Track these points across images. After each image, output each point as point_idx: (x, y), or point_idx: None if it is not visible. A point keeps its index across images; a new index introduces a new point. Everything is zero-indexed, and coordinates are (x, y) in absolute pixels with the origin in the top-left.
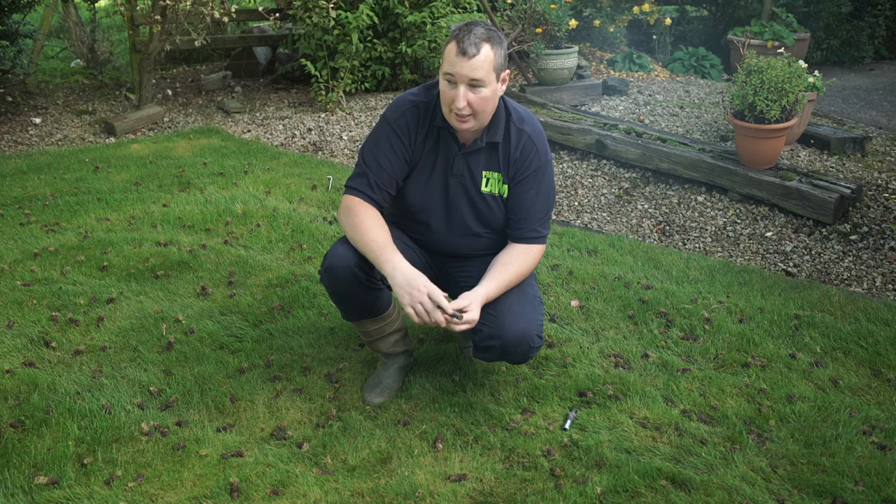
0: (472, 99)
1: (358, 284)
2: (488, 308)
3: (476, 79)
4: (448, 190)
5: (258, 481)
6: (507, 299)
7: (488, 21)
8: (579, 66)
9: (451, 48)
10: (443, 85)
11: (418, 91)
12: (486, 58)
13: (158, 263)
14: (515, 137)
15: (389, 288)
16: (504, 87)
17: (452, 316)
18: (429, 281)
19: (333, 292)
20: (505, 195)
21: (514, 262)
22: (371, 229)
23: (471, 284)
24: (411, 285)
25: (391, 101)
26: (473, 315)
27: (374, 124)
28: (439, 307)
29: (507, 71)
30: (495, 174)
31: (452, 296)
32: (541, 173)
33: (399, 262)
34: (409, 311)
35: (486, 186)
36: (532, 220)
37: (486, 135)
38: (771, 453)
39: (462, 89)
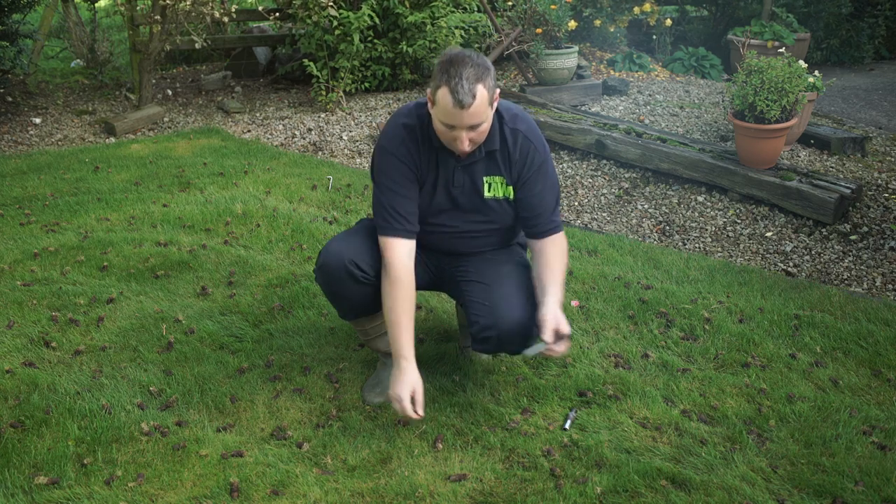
0: (473, 136)
1: (352, 281)
2: (483, 300)
3: (476, 123)
4: (451, 200)
5: (258, 481)
6: (502, 290)
7: (472, 52)
8: (579, 67)
9: (446, 98)
10: (439, 126)
11: (407, 113)
12: (481, 100)
13: (158, 263)
14: (511, 139)
15: None
16: (496, 104)
17: (556, 341)
18: (419, 382)
19: (328, 290)
20: (510, 197)
21: (554, 259)
22: (401, 315)
23: (468, 279)
24: (404, 380)
25: (382, 130)
26: (567, 328)
27: (373, 124)
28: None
29: (498, 90)
30: (497, 178)
31: (451, 294)
32: (544, 168)
33: (409, 357)
34: (392, 396)
35: (489, 192)
36: (546, 213)
37: (482, 145)
38: (771, 453)
39: (463, 133)
